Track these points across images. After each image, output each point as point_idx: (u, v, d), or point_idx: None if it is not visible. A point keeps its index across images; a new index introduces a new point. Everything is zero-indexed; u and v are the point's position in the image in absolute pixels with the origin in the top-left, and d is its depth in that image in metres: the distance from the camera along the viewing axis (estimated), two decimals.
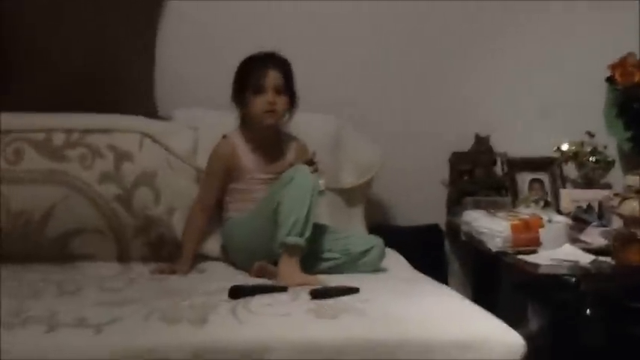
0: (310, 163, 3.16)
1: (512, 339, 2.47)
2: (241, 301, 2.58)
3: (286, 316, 2.48)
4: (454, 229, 3.94)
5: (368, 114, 3.99)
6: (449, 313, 2.61)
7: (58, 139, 3.25)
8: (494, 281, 3.92)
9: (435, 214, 4.13)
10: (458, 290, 3.94)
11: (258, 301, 2.59)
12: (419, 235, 4.10)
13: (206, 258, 3.35)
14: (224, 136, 3.38)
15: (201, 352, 2.29)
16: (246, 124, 3.37)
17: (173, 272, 3.13)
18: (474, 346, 2.41)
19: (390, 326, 2.44)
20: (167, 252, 3.32)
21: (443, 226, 4.15)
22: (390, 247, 3.42)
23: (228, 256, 3.35)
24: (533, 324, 3.99)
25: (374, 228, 3.73)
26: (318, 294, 2.67)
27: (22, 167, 3.20)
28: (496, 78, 4.17)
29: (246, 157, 3.33)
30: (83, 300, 2.63)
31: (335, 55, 4.02)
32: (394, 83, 4.09)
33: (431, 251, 4.12)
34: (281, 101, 3.29)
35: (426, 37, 4.10)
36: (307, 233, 3.02)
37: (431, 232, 4.14)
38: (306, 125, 3.52)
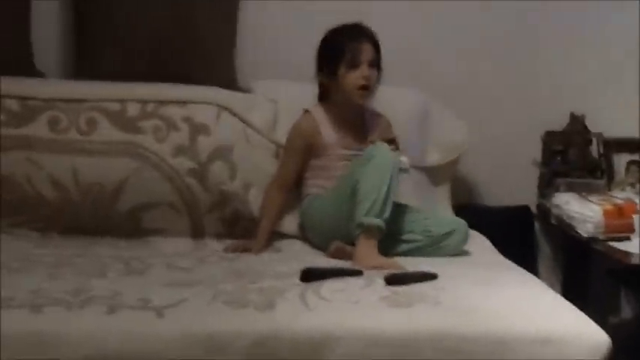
0: (391, 142, 3.06)
1: (596, 335, 2.32)
2: (312, 285, 2.49)
3: (357, 303, 2.38)
4: (545, 212, 3.83)
5: (457, 89, 3.87)
6: (530, 305, 2.47)
7: (133, 109, 3.18)
8: (585, 267, 3.82)
9: (526, 195, 4.01)
10: (548, 275, 3.93)
11: (330, 286, 2.50)
12: (508, 216, 4.00)
13: (283, 236, 3.28)
14: (305, 111, 3.29)
15: (264, 339, 2.20)
16: (331, 98, 3.27)
17: (247, 250, 3.06)
18: (554, 341, 2.28)
19: (465, 318, 2.33)
20: (242, 228, 3.25)
21: (533, 208, 4.02)
22: (477, 228, 3.34)
23: (305, 235, 3.27)
24: (626, 312, 3.88)
25: (461, 208, 3.65)
26: (394, 280, 2.57)
27: (94, 138, 3.13)
28: (593, 54, 4.01)
29: (328, 132, 3.23)
30: (149, 279, 2.56)
31: (424, 28, 3.90)
32: (485, 58, 3.96)
33: (520, 234, 4.03)
34: (374, 76, 3.19)
35: (520, 11, 3.94)
36: (386, 214, 2.93)
37: (521, 213, 4.03)
38: (392, 100, 3.42)
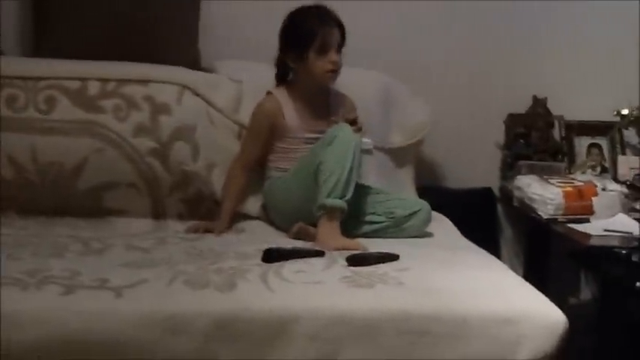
0: (353, 122, 3.04)
1: (553, 315, 2.35)
2: (274, 266, 2.48)
3: (319, 284, 2.38)
4: (507, 194, 3.84)
5: (420, 71, 3.86)
6: (490, 285, 2.48)
7: (93, 88, 3.14)
8: (546, 249, 3.86)
9: (489, 178, 4.03)
10: (509, 257, 3.96)
11: (292, 266, 2.49)
12: (471, 198, 4.02)
13: (246, 217, 3.26)
14: (268, 93, 3.26)
15: (226, 320, 2.19)
16: (295, 80, 3.25)
17: (209, 231, 3.04)
18: (513, 321, 2.31)
19: (426, 298, 2.34)
20: (205, 209, 3.23)
21: (496, 190, 4.04)
22: (440, 210, 3.35)
23: (268, 216, 3.26)
24: (585, 293, 3.91)
25: (424, 189, 3.64)
26: (355, 261, 2.57)
27: (54, 117, 3.09)
28: (555, 38, 4.01)
29: (291, 115, 3.21)
30: (108, 260, 2.54)
31: (388, 11, 3.88)
32: (449, 41, 3.96)
33: (483, 216, 4.04)
34: (340, 60, 3.16)
35: None
36: (348, 195, 2.92)
37: (483, 195, 4.05)
38: (356, 81, 3.40)
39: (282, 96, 3.23)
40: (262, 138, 3.23)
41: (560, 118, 3.97)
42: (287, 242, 2.90)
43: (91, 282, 2.27)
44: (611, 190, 3.43)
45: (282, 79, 3.28)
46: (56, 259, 2.50)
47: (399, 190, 3.42)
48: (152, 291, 2.26)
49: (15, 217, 3.04)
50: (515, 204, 3.65)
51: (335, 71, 3.16)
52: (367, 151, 3.09)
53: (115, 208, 3.15)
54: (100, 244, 2.72)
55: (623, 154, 3.95)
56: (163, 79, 3.22)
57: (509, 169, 3.90)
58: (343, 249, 2.73)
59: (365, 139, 3.07)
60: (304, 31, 3.13)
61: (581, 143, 3.99)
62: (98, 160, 3.08)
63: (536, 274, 3.60)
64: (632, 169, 3.70)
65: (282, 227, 3.12)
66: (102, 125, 3.10)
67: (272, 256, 2.56)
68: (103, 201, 3.13)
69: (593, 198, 3.33)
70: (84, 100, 3.12)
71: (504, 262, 3.07)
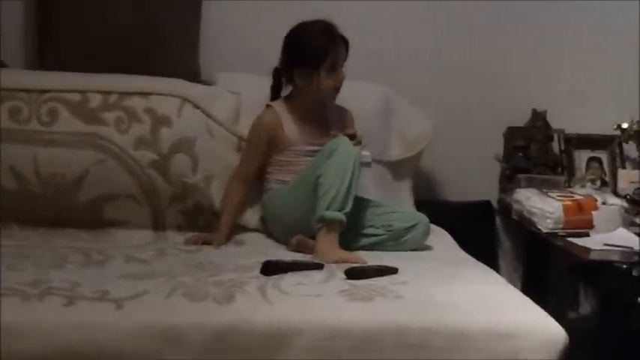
0: (353, 137, 3.05)
1: (553, 330, 2.36)
2: (273, 278, 2.50)
3: (317, 297, 2.39)
4: (506, 207, 3.83)
5: (420, 84, 3.86)
6: (489, 300, 2.49)
7: (95, 100, 3.15)
8: (545, 263, 3.83)
9: (487, 191, 4.02)
10: (508, 270, 3.95)
11: (290, 279, 2.51)
12: (470, 211, 4.02)
13: (245, 229, 3.27)
14: (268, 106, 3.27)
15: (224, 333, 2.21)
16: (297, 94, 3.25)
17: (208, 243, 3.05)
18: (512, 336, 2.32)
19: (425, 312, 2.35)
20: (204, 221, 3.24)
21: (495, 204, 4.03)
22: (439, 223, 3.36)
23: (267, 228, 3.26)
24: (585, 307, 3.90)
25: (422, 203, 3.64)
26: (354, 274, 2.58)
27: (55, 129, 3.10)
28: (556, 52, 4.00)
29: (290, 128, 3.22)
30: (108, 271, 2.56)
31: (387, 23, 3.89)
32: (449, 54, 3.95)
33: (481, 229, 4.04)
34: (344, 76, 3.19)
35: (484, 7, 3.94)
36: (347, 208, 2.93)
37: (482, 208, 4.05)
38: (356, 94, 3.40)
39: (281, 109, 3.24)
40: (261, 151, 3.24)
41: (561, 131, 3.96)
42: (286, 255, 2.91)
43: (91, 293, 2.29)
44: (611, 204, 3.42)
45: (277, 91, 3.29)
46: (57, 270, 2.51)
47: (397, 203, 3.43)
48: (152, 303, 2.27)
49: (16, 228, 3.05)
50: (514, 217, 3.65)
51: (339, 88, 3.18)
52: (366, 164, 3.10)
53: (115, 220, 3.16)
54: (100, 255, 2.74)
55: (623, 167, 3.94)
56: (164, 92, 3.23)
57: (509, 182, 3.88)
58: (342, 262, 2.74)
59: (364, 152, 3.08)
60: (316, 50, 3.13)
61: (581, 157, 3.98)
62: (99, 172, 3.09)
63: (535, 288, 3.59)
64: (633, 182, 3.68)
65: (281, 239, 3.12)
66: (103, 137, 3.11)
67: (271, 268, 2.58)
68: (104, 212, 3.14)
69: (593, 212, 3.33)
70: (85, 112, 3.13)
71: (503, 275, 3.08)
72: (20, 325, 2.13)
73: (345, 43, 3.17)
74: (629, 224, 3.34)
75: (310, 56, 3.13)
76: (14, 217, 3.08)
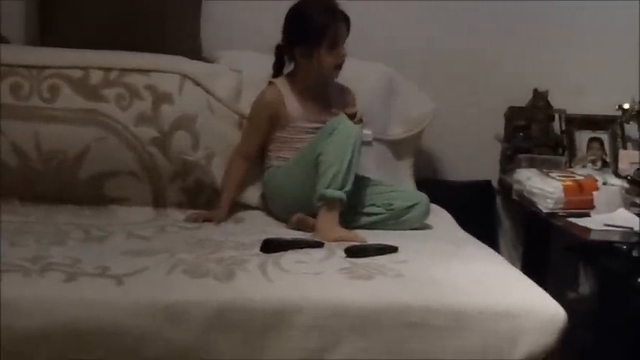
0: (353, 116, 3.05)
1: (552, 309, 2.35)
2: (273, 256, 2.50)
3: (317, 275, 2.39)
4: (506, 187, 3.83)
5: (421, 64, 3.87)
6: (489, 279, 2.49)
7: (96, 77, 3.15)
8: (545, 243, 3.85)
9: (488, 171, 4.01)
10: (508, 250, 3.95)
11: (290, 257, 2.50)
12: (470, 191, 4.02)
13: (245, 207, 3.27)
14: (270, 83, 3.27)
15: (225, 310, 2.20)
16: (298, 72, 3.25)
17: (208, 220, 3.05)
18: (512, 314, 2.31)
19: (425, 291, 2.34)
20: (205, 198, 3.24)
21: (495, 183, 4.03)
22: (439, 202, 3.36)
23: (267, 206, 3.27)
24: (584, 287, 3.91)
25: (423, 182, 3.64)
26: (354, 252, 2.58)
27: (57, 105, 3.10)
28: (557, 31, 4.00)
29: (292, 105, 3.22)
30: (109, 247, 2.56)
31: (389, 4, 3.87)
32: (450, 33, 3.95)
33: (482, 208, 4.04)
34: (346, 53, 3.18)
35: None
36: (348, 186, 2.93)
37: (482, 188, 4.05)
38: (357, 73, 3.40)
39: (283, 86, 3.24)
40: (263, 128, 3.24)
41: (562, 111, 3.96)
42: (286, 232, 2.91)
43: (92, 269, 2.29)
44: (612, 185, 3.40)
45: (279, 69, 3.29)
46: (58, 246, 2.52)
47: (398, 182, 3.44)
48: (152, 279, 2.27)
49: (17, 204, 3.05)
50: (515, 197, 3.64)
51: (341, 66, 3.18)
52: (367, 143, 3.11)
53: (115, 197, 3.16)
54: (101, 231, 2.74)
55: (624, 148, 3.92)
56: (165, 69, 3.23)
57: (509, 162, 3.88)
58: (342, 240, 2.74)
59: (365, 131, 3.09)
60: (316, 26, 3.12)
61: (582, 137, 3.97)
62: (100, 149, 3.10)
63: (535, 267, 3.59)
64: (633, 163, 3.66)
65: (282, 217, 3.13)
66: (104, 114, 3.11)
67: (271, 246, 2.57)
68: (105, 189, 3.14)
69: (593, 192, 3.31)
70: (86, 88, 3.13)
71: (502, 255, 3.07)
72: (21, 301, 2.13)
73: (346, 19, 3.16)
74: (629, 205, 3.31)
75: (311, 33, 3.13)
76: (16, 193, 3.08)
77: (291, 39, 3.20)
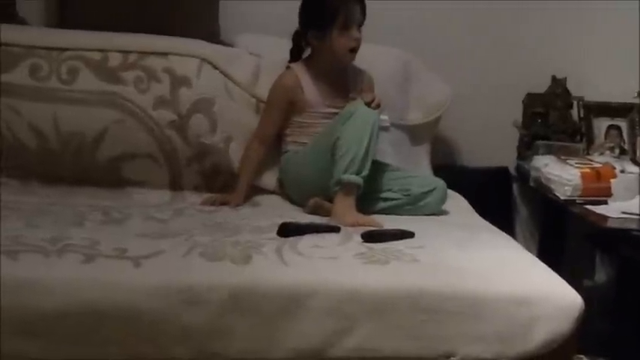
0: (370, 102, 3.03)
1: (569, 296, 2.35)
2: (289, 240, 2.50)
3: (333, 259, 2.39)
4: (524, 174, 3.82)
5: (439, 49, 3.85)
6: (505, 265, 2.49)
7: (115, 60, 3.16)
8: (562, 230, 3.84)
9: (505, 157, 3.99)
10: (524, 237, 3.95)
11: (307, 241, 2.51)
12: (487, 177, 4.01)
13: (262, 191, 3.28)
14: (288, 67, 3.28)
15: (240, 293, 2.21)
16: (315, 56, 3.26)
17: (225, 203, 3.06)
18: (528, 302, 2.31)
19: (440, 276, 2.35)
20: (222, 182, 3.24)
21: (512, 170, 4.02)
22: (455, 188, 3.36)
23: (284, 190, 3.27)
24: (601, 275, 3.89)
25: (440, 168, 3.65)
26: (370, 237, 2.58)
27: (75, 87, 3.11)
28: (576, 18, 3.97)
29: (310, 89, 3.22)
30: (126, 229, 2.56)
31: None
32: (468, 19, 3.93)
33: (498, 195, 4.04)
34: (360, 37, 3.17)
35: None
36: (365, 171, 2.93)
37: (500, 175, 4.04)
38: (375, 58, 3.41)
39: (301, 71, 3.24)
40: (280, 112, 3.24)
41: (580, 98, 3.93)
42: (302, 217, 2.91)
43: (110, 251, 2.30)
44: (630, 173, 3.37)
45: (297, 54, 3.29)
46: (76, 227, 2.53)
47: (415, 168, 3.44)
48: (169, 262, 2.28)
49: (36, 185, 3.08)
50: (532, 184, 3.63)
51: (356, 49, 3.17)
52: (384, 128, 3.11)
53: (133, 179, 3.17)
54: (118, 213, 2.75)
55: None
56: (183, 52, 3.23)
57: (527, 148, 3.87)
58: (358, 225, 2.74)
59: (382, 116, 3.08)
60: (327, 8, 3.13)
61: (600, 124, 3.94)
62: (118, 131, 3.11)
63: (551, 255, 3.57)
64: None
65: (298, 202, 3.13)
66: (122, 96, 3.11)
67: (287, 230, 2.58)
68: (123, 171, 3.15)
69: (611, 180, 3.29)
70: (105, 71, 3.13)
71: (519, 242, 3.07)
72: (39, 281, 2.14)
73: (360, 2, 3.16)
74: None
75: (322, 14, 3.14)
76: (34, 174, 3.10)
77: (305, 21, 3.21)
